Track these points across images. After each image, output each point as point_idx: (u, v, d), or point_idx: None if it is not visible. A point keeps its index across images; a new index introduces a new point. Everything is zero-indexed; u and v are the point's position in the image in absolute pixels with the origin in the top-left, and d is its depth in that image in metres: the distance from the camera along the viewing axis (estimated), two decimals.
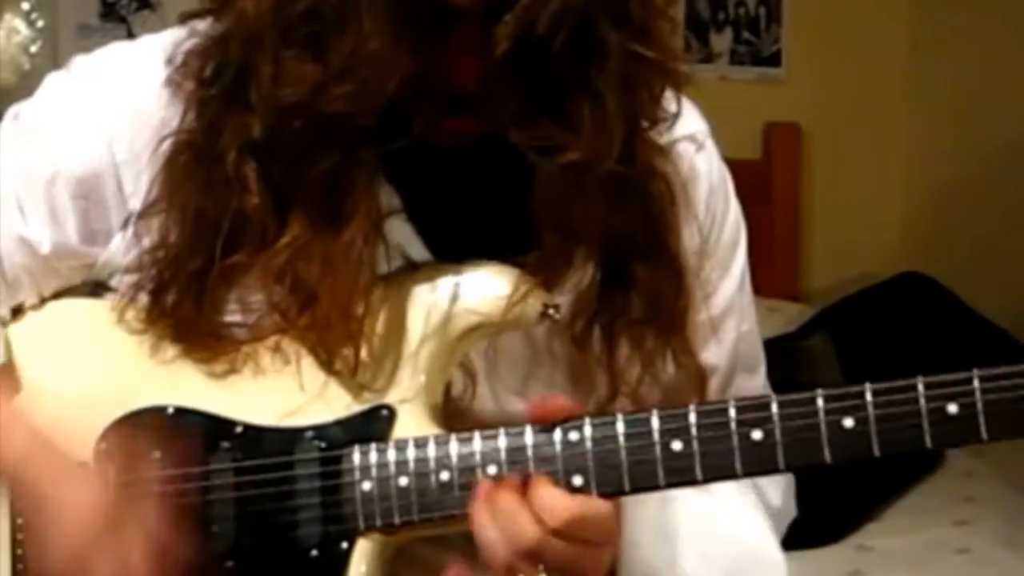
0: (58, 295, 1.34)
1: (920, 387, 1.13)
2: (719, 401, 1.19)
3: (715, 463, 1.16)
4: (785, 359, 1.45)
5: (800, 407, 1.15)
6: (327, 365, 1.22)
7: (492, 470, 1.18)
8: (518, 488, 1.16)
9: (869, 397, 1.14)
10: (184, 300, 1.23)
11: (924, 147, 4.62)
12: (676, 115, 1.26)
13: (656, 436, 1.17)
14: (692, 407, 1.17)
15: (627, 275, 1.26)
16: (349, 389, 1.23)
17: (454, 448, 1.19)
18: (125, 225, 1.28)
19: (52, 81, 1.33)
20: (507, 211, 1.22)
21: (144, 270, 1.25)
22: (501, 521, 1.15)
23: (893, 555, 3.09)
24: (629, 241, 1.25)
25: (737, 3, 4.47)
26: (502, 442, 1.19)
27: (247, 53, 1.17)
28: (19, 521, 1.27)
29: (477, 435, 1.19)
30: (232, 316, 1.25)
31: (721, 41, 4.45)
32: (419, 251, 1.26)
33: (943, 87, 4.54)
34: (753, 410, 1.16)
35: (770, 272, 3.79)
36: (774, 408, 1.15)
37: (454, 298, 1.23)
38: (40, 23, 3.59)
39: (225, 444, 1.24)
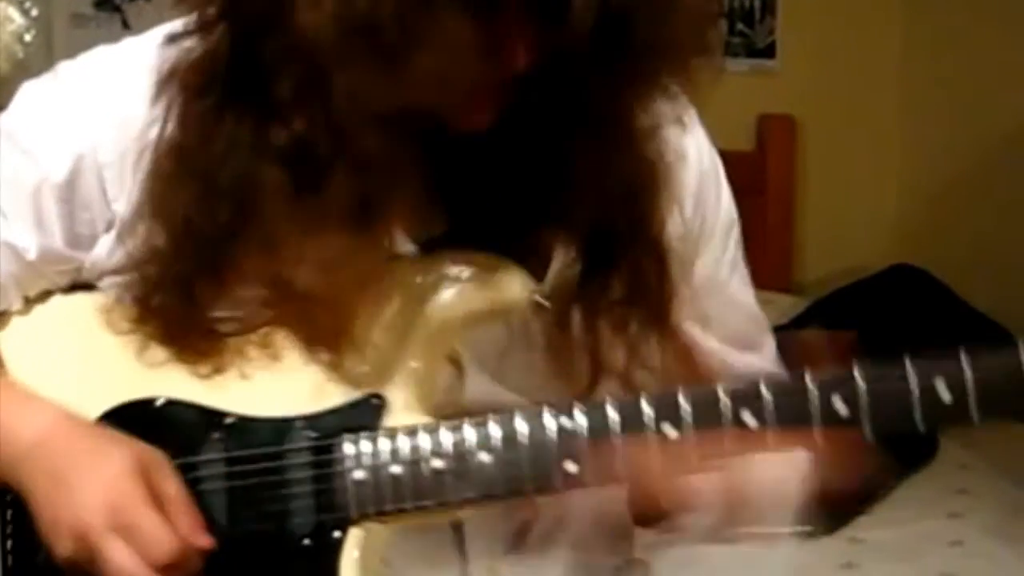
0: (43, 295, 1.34)
1: (910, 369, 1.14)
2: (710, 387, 1.19)
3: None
4: (778, 351, 1.45)
5: (792, 393, 1.16)
6: (317, 356, 1.22)
7: (484, 457, 1.18)
8: None
9: (859, 381, 1.14)
10: (171, 302, 1.23)
11: (918, 140, 4.62)
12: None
13: (649, 423, 1.17)
14: (684, 393, 1.17)
15: (608, 258, 1.26)
16: (340, 379, 1.23)
17: (445, 436, 1.20)
18: (109, 228, 1.28)
19: (33, 88, 1.33)
20: (493, 203, 1.22)
21: (130, 276, 1.25)
22: None
23: (886, 547, 3.09)
24: (611, 223, 1.25)
25: None
26: (493, 429, 1.19)
27: (306, 65, 1.14)
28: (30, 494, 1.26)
29: (467, 423, 1.20)
30: (221, 311, 1.24)
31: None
32: (404, 243, 1.26)
33: (937, 80, 4.54)
34: (745, 395, 1.16)
35: (763, 264, 3.75)
36: (766, 393, 1.16)
37: (443, 288, 1.23)
38: (34, 12, 3.58)
39: (216, 435, 1.25)
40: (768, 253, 4.15)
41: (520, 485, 1.19)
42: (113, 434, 1.26)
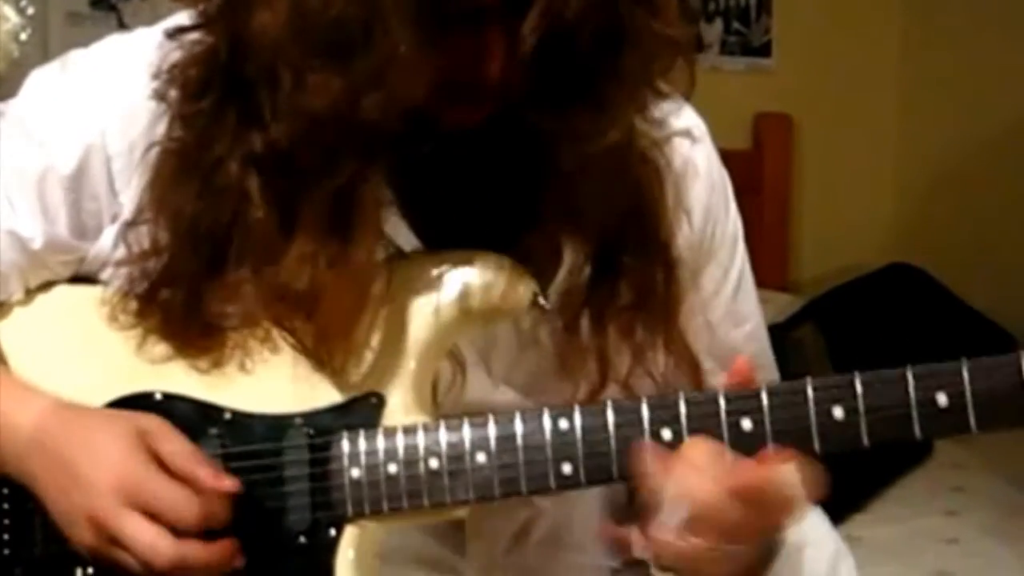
0: (44, 286, 1.34)
1: (910, 377, 1.13)
2: (709, 390, 1.19)
3: None
4: (774, 349, 1.45)
5: (790, 397, 1.15)
6: (316, 354, 1.22)
7: (481, 458, 1.18)
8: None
9: (859, 387, 1.14)
10: (175, 301, 1.23)
11: (915, 138, 4.62)
12: (672, 109, 1.27)
13: (646, 425, 1.17)
14: (682, 396, 1.17)
15: (616, 264, 1.26)
16: (339, 376, 1.23)
17: (443, 436, 1.20)
18: (115, 219, 1.28)
19: (41, 76, 1.33)
20: (498, 202, 1.22)
21: (134, 274, 1.25)
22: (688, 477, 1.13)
23: (882, 545, 3.10)
24: (619, 230, 1.25)
25: None
26: (491, 430, 1.19)
27: (263, 66, 1.15)
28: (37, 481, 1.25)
29: (466, 423, 1.20)
30: (222, 307, 1.24)
31: (711, 31, 4.45)
32: (409, 240, 1.26)
33: (934, 78, 4.54)
34: (743, 400, 1.16)
35: (759, 262, 3.76)
36: (764, 398, 1.15)
37: (445, 287, 1.23)
38: (30, 11, 3.57)
39: (213, 430, 1.24)
40: (764, 251, 4.12)
41: (516, 486, 1.19)
42: (106, 411, 1.25)
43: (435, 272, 1.24)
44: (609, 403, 1.18)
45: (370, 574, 1.24)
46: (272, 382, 1.24)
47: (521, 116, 1.15)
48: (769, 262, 4.19)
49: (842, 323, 4.01)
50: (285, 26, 1.12)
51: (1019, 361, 1.12)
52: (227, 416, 1.25)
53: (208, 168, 1.20)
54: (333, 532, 1.22)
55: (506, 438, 1.18)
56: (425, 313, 1.23)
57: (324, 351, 1.21)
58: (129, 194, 1.26)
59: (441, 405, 1.26)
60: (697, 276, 1.34)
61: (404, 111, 1.11)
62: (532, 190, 1.20)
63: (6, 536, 1.29)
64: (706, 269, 1.37)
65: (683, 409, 1.16)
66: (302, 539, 1.22)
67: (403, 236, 1.26)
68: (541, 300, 1.24)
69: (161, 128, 1.23)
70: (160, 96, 1.23)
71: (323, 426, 1.23)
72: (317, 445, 1.22)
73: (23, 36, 3.53)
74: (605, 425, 1.17)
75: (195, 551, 1.17)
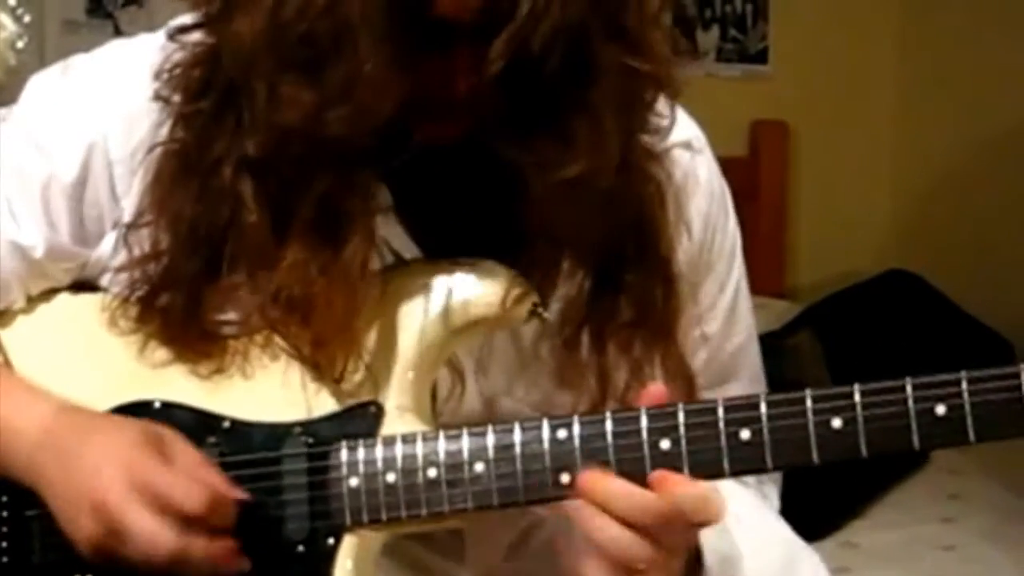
0: (45, 294, 1.34)
1: (909, 388, 1.13)
2: (708, 400, 1.19)
3: (703, 462, 1.16)
4: (771, 356, 1.45)
5: (788, 407, 1.15)
6: (316, 367, 1.22)
7: (479, 467, 1.18)
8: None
9: (858, 398, 1.14)
10: (175, 304, 1.23)
11: (911, 145, 4.63)
12: (672, 122, 1.26)
13: (644, 435, 1.17)
14: (681, 406, 1.17)
15: (617, 280, 1.26)
16: (338, 385, 1.23)
17: (442, 445, 1.20)
18: (115, 225, 1.28)
19: (43, 82, 1.33)
20: (497, 210, 1.22)
21: (135, 276, 1.25)
22: (621, 506, 1.14)
23: (879, 552, 3.10)
24: (619, 247, 1.25)
25: (724, 0, 4.47)
26: (490, 439, 1.19)
27: (241, 74, 1.17)
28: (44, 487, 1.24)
29: (465, 432, 1.20)
30: (224, 315, 1.24)
31: (708, 38, 4.45)
32: (408, 248, 1.26)
33: (931, 85, 4.54)
34: (741, 409, 1.16)
35: (756, 269, 3.76)
36: (763, 408, 1.15)
37: (444, 297, 1.23)
38: (26, 19, 3.55)
39: (212, 439, 1.24)
40: (761, 258, 4.14)
41: (514, 495, 1.19)
42: (113, 416, 1.25)
43: (435, 281, 1.24)
44: (608, 413, 1.18)
45: None
46: (271, 390, 1.24)
47: (490, 139, 1.16)
48: (766, 269, 4.18)
49: (839, 330, 4.01)
50: (260, 36, 1.13)
51: (1018, 372, 1.12)
52: (226, 424, 1.25)
53: (206, 170, 1.20)
54: (331, 541, 1.22)
55: (505, 447, 1.18)
56: (424, 322, 1.23)
57: (321, 357, 1.21)
58: (131, 199, 1.26)
59: (440, 414, 1.26)
60: (695, 289, 1.34)
61: (373, 126, 1.11)
62: (512, 210, 1.20)
63: (4, 544, 1.29)
64: (704, 282, 1.37)
65: (682, 419, 1.16)
66: (300, 548, 1.22)
67: (402, 243, 1.26)
68: (541, 310, 1.23)
69: (164, 131, 1.23)
70: (161, 97, 1.23)
71: (322, 435, 1.23)
72: (316, 454, 1.22)
73: (20, 44, 3.53)
74: (604, 435, 1.17)
75: (198, 544, 1.15)
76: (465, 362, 1.28)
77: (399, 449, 1.20)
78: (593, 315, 1.26)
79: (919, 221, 4.60)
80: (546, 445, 1.18)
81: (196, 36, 1.22)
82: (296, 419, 1.24)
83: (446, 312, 1.23)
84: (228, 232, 1.20)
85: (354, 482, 1.21)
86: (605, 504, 1.14)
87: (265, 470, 1.23)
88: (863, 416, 1.14)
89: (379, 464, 1.21)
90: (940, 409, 1.13)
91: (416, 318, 1.23)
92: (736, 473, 1.18)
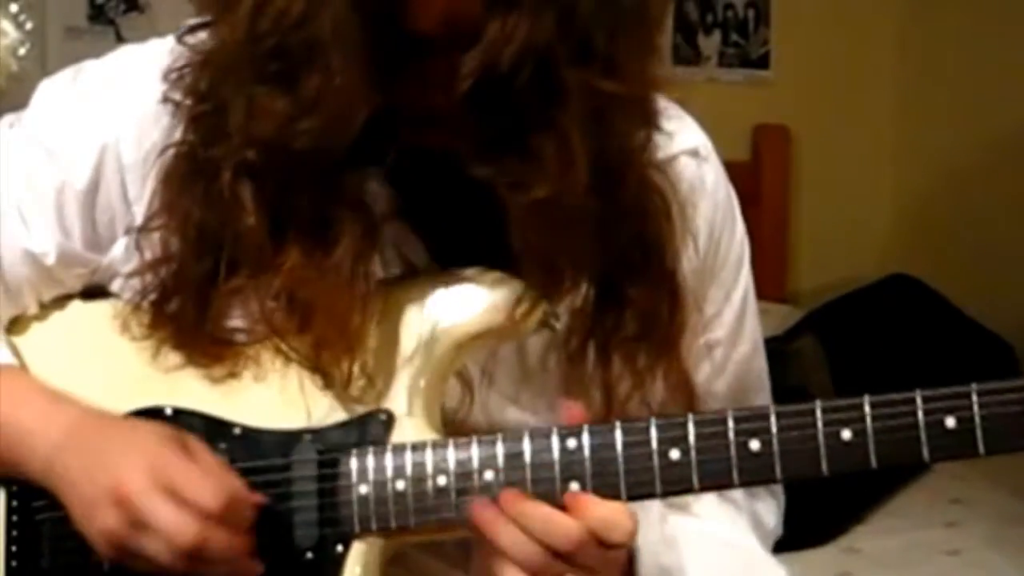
0: (58, 300, 1.34)
1: (919, 400, 1.13)
2: (718, 411, 1.19)
3: (712, 472, 1.17)
4: (773, 361, 1.45)
5: (798, 418, 1.15)
6: (326, 376, 1.22)
7: (489, 476, 1.18)
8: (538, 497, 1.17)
9: (867, 409, 1.14)
10: (186, 309, 1.24)
11: (913, 149, 4.63)
12: (651, 132, 1.25)
13: (654, 444, 1.17)
14: (691, 417, 1.17)
15: (622, 293, 1.25)
16: (348, 393, 1.23)
17: (451, 454, 1.20)
18: (127, 230, 1.28)
19: (53, 87, 1.33)
20: (504, 215, 1.22)
21: (146, 281, 1.25)
22: (537, 528, 1.15)
23: (882, 557, 3.10)
24: (623, 260, 1.24)
25: (725, 5, 4.47)
26: (500, 448, 1.19)
27: (224, 82, 1.18)
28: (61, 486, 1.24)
29: (475, 441, 1.20)
30: (234, 322, 1.25)
31: (709, 43, 4.45)
32: (417, 253, 1.26)
33: (932, 89, 4.55)
34: (751, 420, 1.16)
35: (758, 274, 3.76)
36: (772, 419, 1.15)
37: (456, 305, 1.23)
38: (28, 25, 3.57)
39: (223, 445, 1.24)
40: (763, 263, 4.09)
41: None
42: (141, 420, 1.25)
43: (446, 291, 1.24)
44: (618, 423, 1.18)
45: None
46: (283, 396, 1.24)
47: (463, 155, 1.16)
48: (768, 274, 4.19)
49: (841, 334, 4.01)
50: (238, 46, 1.14)
51: None
52: (236, 431, 1.25)
53: (210, 173, 1.20)
54: (340, 548, 1.22)
55: (514, 456, 1.18)
56: (435, 331, 1.23)
57: (324, 361, 1.21)
58: (142, 202, 1.26)
59: (450, 423, 1.26)
60: (699, 297, 1.34)
61: (344, 137, 1.12)
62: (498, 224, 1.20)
63: (14, 548, 1.29)
64: (708, 290, 1.36)
65: (692, 429, 1.17)
66: (309, 555, 1.22)
67: (412, 249, 1.26)
68: (552, 321, 1.24)
69: (175, 134, 1.23)
70: (169, 99, 1.23)
71: (332, 442, 1.23)
72: (326, 461, 1.22)
73: (22, 51, 3.54)
74: (613, 444, 1.17)
75: (217, 538, 1.15)
76: (475, 371, 1.27)
77: (409, 457, 1.20)
78: (598, 328, 1.26)
79: (920, 225, 4.61)
80: (556, 454, 1.18)
81: (203, 36, 1.22)
82: (307, 426, 1.24)
83: (457, 322, 1.23)
84: (230, 236, 1.20)
85: (364, 490, 1.21)
86: (522, 525, 1.15)
87: (275, 477, 1.23)
88: (873, 428, 1.14)
89: (389, 472, 1.21)
90: (950, 421, 1.13)
91: (426, 327, 1.23)
92: (745, 484, 1.18)
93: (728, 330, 1.39)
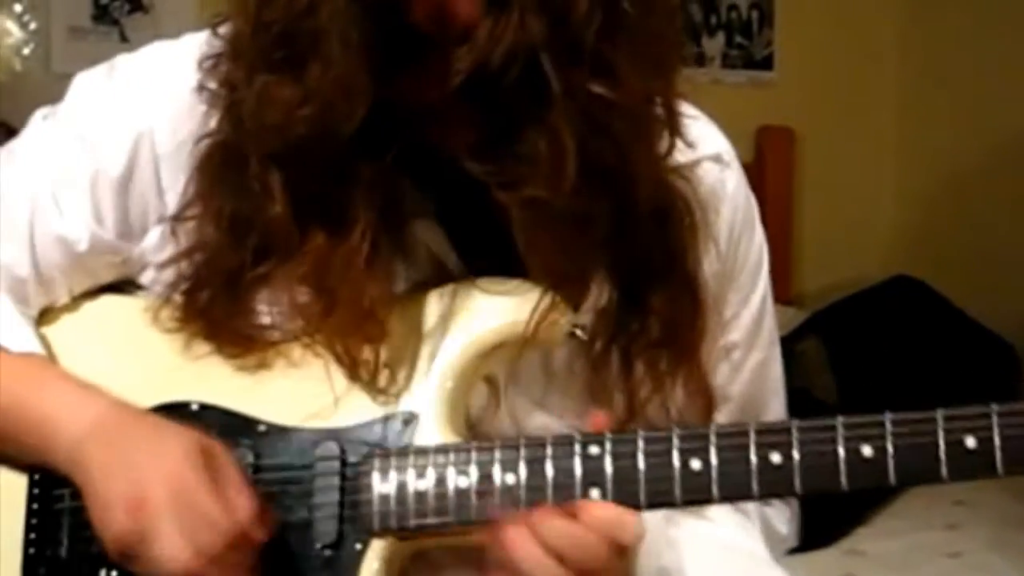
0: (90, 293, 1.35)
1: (939, 419, 1.14)
2: (740, 423, 1.19)
3: (732, 483, 1.17)
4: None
5: (820, 433, 1.16)
6: (351, 368, 1.22)
7: (510, 480, 1.19)
8: (558, 511, 1.17)
9: (889, 427, 1.15)
10: (218, 299, 1.25)
11: (916, 150, 4.64)
12: (673, 139, 1.25)
13: (676, 454, 1.17)
14: (713, 427, 1.18)
15: (644, 299, 1.26)
16: (374, 393, 1.24)
17: (474, 456, 1.20)
18: (160, 220, 1.29)
19: (89, 79, 1.34)
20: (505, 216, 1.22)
21: (180, 269, 1.26)
22: (559, 543, 1.15)
23: (884, 559, 3.11)
24: (644, 266, 1.25)
25: (729, 6, 4.48)
26: (522, 452, 1.19)
27: (239, 71, 1.20)
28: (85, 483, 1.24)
29: (497, 444, 1.20)
30: (264, 318, 1.26)
31: (713, 45, 4.46)
32: (447, 255, 1.27)
33: (935, 91, 4.55)
34: (773, 433, 1.17)
35: None
36: (794, 432, 1.16)
37: (485, 313, 1.24)
38: (33, 25, 3.57)
39: (247, 441, 1.25)
40: None
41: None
42: (168, 421, 1.25)
43: (475, 296, 1.25)
44: (640, 432, 1.19)
45: None
46: (309, 393, 1.25)
47: (457, 153, 1.17)
48: (771, 275, 4.18)
49: (845, 336, 4.02)
50: (249, 34, 1.17)
51: None
52: (261, 428, 1.26)
53: (242, 160, 1.21)
54: (359, 546, 1.23)
55: (536, 460, 1.19)
56: (463, 337, 1.24)
57: (360, 367, 1.22)
58: (176, 191, 1.27)
59: (475, 428, 1.26)
60: (718, 301, 1.34)
61: (344, 127, 1.14)
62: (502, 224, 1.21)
63: (32, 535, 1.29)
64: (727, 293, 1.37)
65: (713, 440, 1.17)
66: (328, 552, 1.23)
67: (441, 248, 1.27)
68: (579, 332, 1.24)
69: (210, 124, 1.25)
70: (203, 87, 1.24)
71: (355, 441, 1.24)
72: (348, 460, 1.23)
73: (26, 50, 3.54)
74: (635, 452, 1.18)
75: (212, 574, 1.17)
76: (502, 377, 1.28)
77: (431, 458, 1.21)
78: (621, 333, 1.27)
79: (924, 227, 4.61)
80: (577, 460, 1.18)
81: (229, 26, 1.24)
82: (331, 425, 1.24)
83: (485, 329, 1.24)
84: (259, 224, 1.21)
85: (384, 489, 1.22)
86: (532, 529, 1.15)
87: (297, 474, 1.24)
88: (893, 445, 1.14)
89: (410, 472, 1.21)
90: (970, 441, 1.13)
91: (455, 333, 1.25)
92: (764, 496, 1.19)
93: (745, 334, 1.40)
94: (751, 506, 1.41)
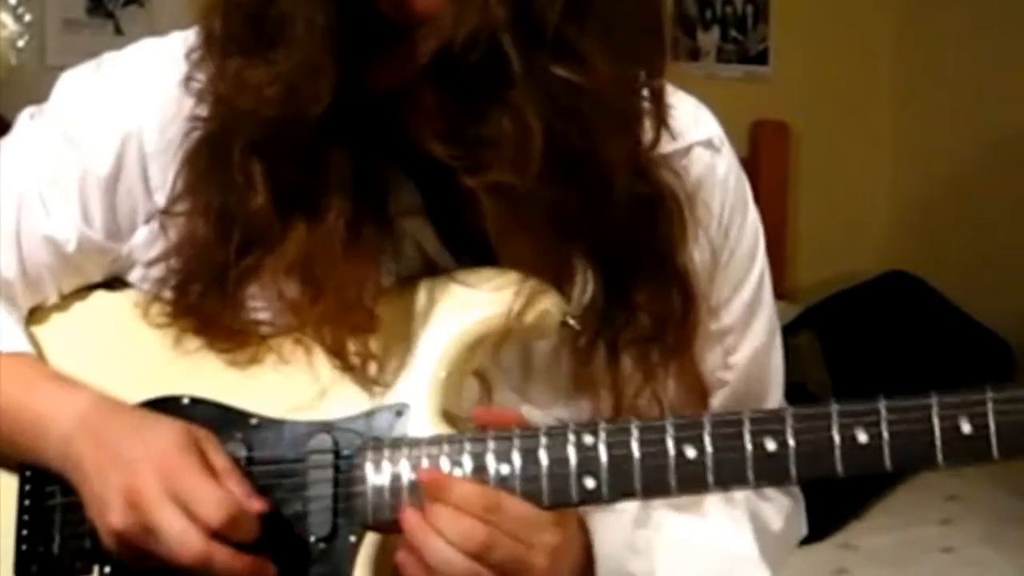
0: (79, 291, 1.35)
1: (934, 405, 1.14)
2: (735, 411, 1.19)
3: (728, 471, 1.16)
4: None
5: (815, 420, 1.15)
6: (340, 359, 1.22)
7: (505, 470, 1.19)
8: (438, 499, 1.17)
9: (883, 413, 1.14)
10: (208, 294, 1.24)
11: (911, 146, 4.64)
12: (659, 130, 1.24)
13: (671, 443, 1.17)
14: (707, 416, 1.18)
15: (629, 292, 1.25)
16: (366, 385, 1.23)
17: (467, 447, 1.20)
18: (148, 219, 1.29)
19: (75, 77, 1.34)
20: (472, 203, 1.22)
21: (169, 265, 1.25)
22: (447, 531, 1.15)
23: (878, 553, 3.12)
24: (629, 259, 1.25)
25: (724, 1, 4.48)
26: (516, 443, 1.19)
27: (210, 55, 1.20)
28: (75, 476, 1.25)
29: (491, 435, 1.20)
30: (255, 313, 1.26)
31: (708, 39, 4.47)
32: (439, 252, 1.27)
33: (930, 85, 4.56)
34: (768, 420, 1.16)
35: None
36: (788, 420, 1.16)
37: (476, 304, 1.24)
38: (27, 18, 3.57)
39: (239, 435, 1.25)
40: None
41: (538, 499, 1.19)
42: (155, 413, 1.26)
43: (467, 288, 1.24)
44: (634, 420, 1.19)
45: None
46: (301, 387, 1.25)
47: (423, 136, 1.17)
48: None
49: (839, 330, 4.02)
50: (219, 16, 1.18)
51: None
52: (253, 421, 1.26)
53: (226, 152, 1.21)
54: (353, 538, 1.22)
55: (530, 451, 1.19)
56: (455, 327, 1.24)
57: (352, 359, 1.21)
58: (164, 190, 1.27)
59: (467, 420, 1.26)
60: (708, 287, 1.34)
61: (309, 110, 1.13)
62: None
63: (24, 532, 1.29)
64: (717, 279, 1.36)
65: (708, 428, 1.17)
66: (322, 545, 1.23)
67: (430, 243, 1.26)
68: (571, 321, 1.24)
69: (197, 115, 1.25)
70: (190, 78, 1.23)
71: (348, 434, 1.23)
72: (341, 453, 1.23)
73: (20, 43, 3.54)
74: (629, 441, 1.18)
75: (222, 553, 1.16)
76: (493, 369, 1.28)
77: (424, 450, 1.21)
78: (607, 326, 1.26)
79: (918, 222, 4.62)
80: (572, 450, 1.18)
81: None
82: (324, 418, 1.24)
83: (476, 320, 1.23)
84: (243, 217, 1.21)
85: (378, 481, 1.21)
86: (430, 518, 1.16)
87: (291, 467, 1.24)
88: (888, 431, 1.14)
89: (404, 464, 1.21)
90: (965, 427, 1.13)
91: (446, 324, 1.24)
92: (760, 484, 1.17)
93: (738, 322, 1.39)
94: (740, 499, 1.40)
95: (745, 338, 1.40)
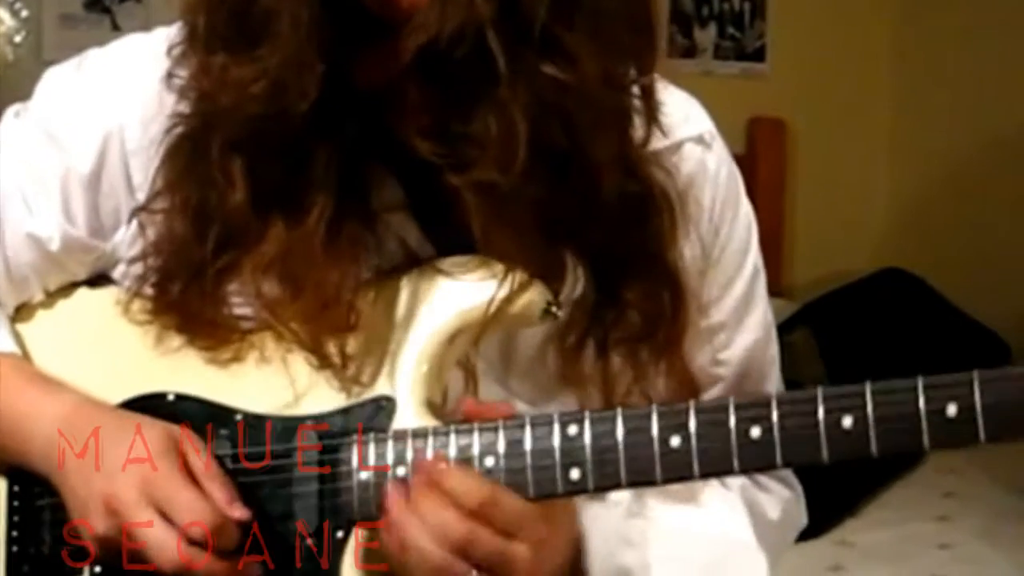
0: (64, 288, 1.35)
1: (920, 388, 1.13)
2: (719, 399, 1.18)
3: (713, 459, 1.15)
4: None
5: (799, 405, 1.15)
6: (320, 355, 1.22)
7: (489, 462, 1.18)
8: (430, 485, 1.16)
9: (868, 397, 1.14)
10: (189, 291, 1.24)
11: (908, 143, 4.64)
12: (649, 127, 1.23)
13: (655, 431, 1.16)
14: (692, 404, 1.17)
15: (619, 290, 1.25)
16: (350, 379, 1.23)
17: (452, 440, 1.20)
18: (131, 217, 1.28)
19: (58, 75, 1.33)
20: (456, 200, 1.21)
21: (150, 262, 1.25)
22: (428, 519, 1.14)
23: (874, 550, 3.11)
24: (619, 257, 1.24)
25: None
26: (501, 435, 1.19)
27: (194, 52, 1.20)
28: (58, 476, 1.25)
29: (476, 427, 1.20)
30: (237, 309, 1.25)
31: (705, 36, 4.46)
32: (422, 245, 1.26)
33: (928, 83, 4.56)
34: (752, 407, 1.16)
35: None
36: (773, 406, 1.15)
37: (459, 293, 1.23)
38: (24, 13, 3.57)
39: (224, 431, 1.25)
40: None
41: (523, 490, 1.18)
42: (135, 414, 1.26)
43: (450, 279, 1.24)
44: (619, 410, 1.18)
45: None
46: (284, 382, 1.24)
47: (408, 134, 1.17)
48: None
49: (835, 328, 4.03)
50: (203, 12, 1.17)
51: None
52: (238, 417, 1.25)
53: (205, 149, 1.21)
54: (340, 534, 1.22)
55: (515, 443, 1.18)
56: (437, 319, 1.23)
57: (336, 353, 1.21)
58: (146, 188, 1.27)
59: (452, 413, 1.25)
60: (699, 283, 1.33)
61: (296, 108, 1.13)
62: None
63: (14, 533, 1.29)
64: (708, 275, 1.36)
65: (692, 416, 1.16)
66: (309, 541, 1.22)
67: (415, 240, 1.26)
68: (554, 309, 1.23)
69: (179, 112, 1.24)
70: (172, 74, 1.23)
71: (333, 428, 1.23)
72: (327, 447, 1.22)
73: (17, 39, 3.53)
74: (614, 431, 1.17)
75: (203, 560, 1.17)
76: (478, 361, 1.27)
77: (410, 443, 1.20)
78: (597, 325, 1.26)
79: (915, 219, 4.62)
80: (557, 440, 1.18)
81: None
82: (308, 412, 1.24)
83: (459, 310, 1.23)
84: (221, 214, 1.21)
85: (364, 476, 1.21)
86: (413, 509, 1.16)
87: (276, 463, 1.23)
88: (874, 415, 1.13)
89: (390, 458, 1.21)
90: (951, 409, 1.12)
91: (429, 315, 1.23)
92: (745, 471, 1.17)
93: (730, 318, 1.38)
94: (734, 486, 1.40)
95: (739, 333, 1.39)
